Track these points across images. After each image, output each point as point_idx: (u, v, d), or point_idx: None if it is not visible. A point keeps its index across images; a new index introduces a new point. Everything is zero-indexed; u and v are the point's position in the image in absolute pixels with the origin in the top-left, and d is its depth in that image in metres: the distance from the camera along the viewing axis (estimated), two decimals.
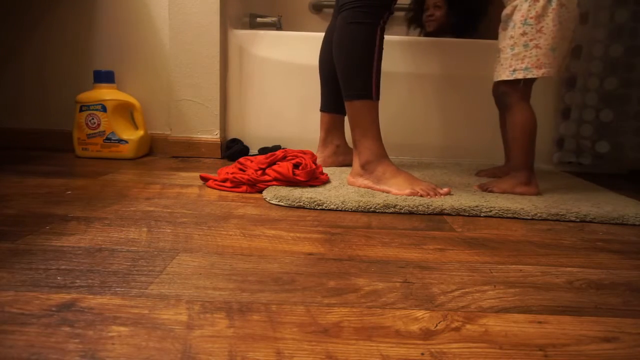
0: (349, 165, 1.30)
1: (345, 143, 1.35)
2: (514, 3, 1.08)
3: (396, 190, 1.02)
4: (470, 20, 1.71)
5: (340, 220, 0.86)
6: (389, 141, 1.55)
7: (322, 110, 1.33)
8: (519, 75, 1.07)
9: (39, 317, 0.48)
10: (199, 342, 0.44)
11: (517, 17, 1.07)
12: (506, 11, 1.10)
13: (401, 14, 2.26)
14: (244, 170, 1.10)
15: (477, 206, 0.94)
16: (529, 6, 1.05)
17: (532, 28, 1.05)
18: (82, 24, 1.51)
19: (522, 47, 1.06)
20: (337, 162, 1.34)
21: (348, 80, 1.09)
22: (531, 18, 1.05)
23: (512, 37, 1.08)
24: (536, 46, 1.05)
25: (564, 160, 1.47)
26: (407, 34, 1.94)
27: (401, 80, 1.53)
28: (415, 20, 1.89)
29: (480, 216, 0.93)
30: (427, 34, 1.85)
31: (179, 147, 1.51)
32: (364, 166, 1.09)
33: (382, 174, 1.07)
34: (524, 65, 1.07)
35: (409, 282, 0.60)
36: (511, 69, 1.08)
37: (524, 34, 1.06)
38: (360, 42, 1.07)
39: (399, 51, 1.53)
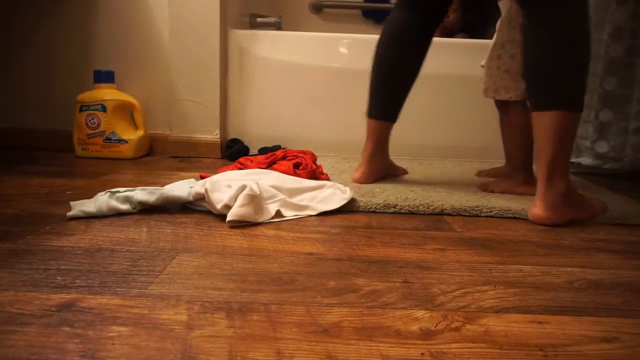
0: (388, 180, 1.17)
1: (389, 156, 1.19)
2: (497, 24, 1.11)
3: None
4: (482, 24, 1.74)
5: (340, 220, 0.86)
6: (389, 141, 1.56)
7: (374, 117, 1.11)
8: (489, 95, 1.12)
9: (39, 317, 0.48)
10: (199, 342, 0.44)
11: (497, 39, 1.10)
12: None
13: None
14: None
15: (477, 206, 0.94)
16: (508, 31, 1.07)
17: (506, 53, 1.08)
18: (82, 24, 1.51)
19: (495, 69, 1.10)
20: (379, 178, 1.16)
21: (566, 86, 0.87)
22: (508, 43, 1.07)
23: (490, 57, 1.11)
24: (506, 71, 1.08)
25: None
26: None
27: None
28: None
29: (480, 216, 0.93)
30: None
31: (179, 147, 1.51)
32: (566, 194, 0.88)
33: (580, 202, 0.92)
34: (494, 87, 1.10)
35: (409, 282, 0.60)
36: (485, 86, 1.11)
37: (499, 57, 1.09)
38: (587, 43, 0.88)
39: None
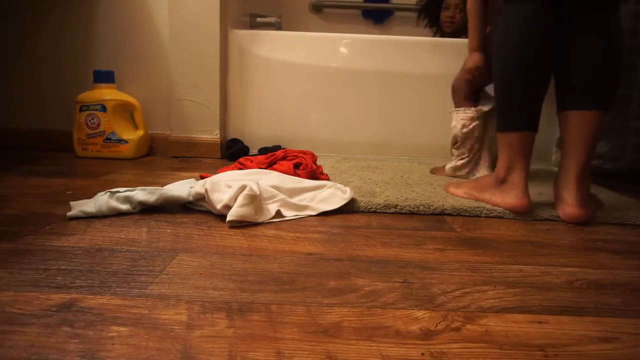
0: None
1: None
2: None
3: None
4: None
5: (340, 220, 0.86)
6: (390, 141, 1.56)
7: (525, 129, 0.94)
8: None
9: (39, 317, 0.48)
10: (199, 342, 0.44)
11: None
12: None
13: (405, 14, 2.26)
14: None
15: (477, 206, 0.94)
16: None
17: None
18: (82, 24, 1.51)
19: None
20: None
21: (609, 89, 0.92)
22: None
23: None
24: None
25: None
26: (417, 25, 1.94)
27: (402, 80, 1.53)
28: (431, 18, 1.88)
29: (480, 216, 0.93)
30: (443, 34, 1.85)
31: (179, 147, 1.51)
32: (589, 191, 0.95)
33: (590, 196, 0.97)
34: None
35: (409, 282, 0.60)
36: None
37: None
38: (622, 52, 0.94)
39: (402, 51, 1.53)
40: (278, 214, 0.86)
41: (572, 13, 0.93)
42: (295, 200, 0.91)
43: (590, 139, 0.90)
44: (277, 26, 1.80)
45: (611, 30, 0.92)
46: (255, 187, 0.83)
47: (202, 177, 1.13)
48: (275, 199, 0.88)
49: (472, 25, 1.20)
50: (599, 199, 1.00)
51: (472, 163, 1.25)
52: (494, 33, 0.99)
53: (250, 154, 1.48)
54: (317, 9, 2.27)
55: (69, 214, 0.81)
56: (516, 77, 0.93)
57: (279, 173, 1.01)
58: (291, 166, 1.07)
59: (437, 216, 0.93)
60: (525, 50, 0.92)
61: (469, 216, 0.93)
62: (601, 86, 0.91)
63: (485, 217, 0.93)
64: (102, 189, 0.88)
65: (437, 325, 0.50)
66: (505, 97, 0.96)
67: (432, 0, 1.86)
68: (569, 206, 0.90)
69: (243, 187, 0.82)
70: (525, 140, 0.93)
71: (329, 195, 0.94)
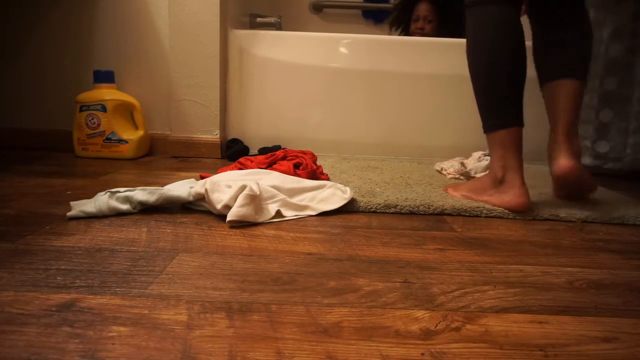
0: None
1: None
2: None
3: None
4: (458, 34, 1.75)
5: (340, 220, 0.86)
6: (390, 141, 1.56)
7: (513, 125, 0.94)
8: None
9: (39, 317, 0.48)
10: (199, 342, 0.44)
11: None
12: None
13: None
14: None
15: (477, 207, 0.94)
16: None
17: None
18: (82, 24, 1.51)
19: None
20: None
21: (586, 62, 1.00)
22: None
23: None
24: None
25: None
26: (390, 34, 1.95)
27: (402, 80, 1.53)
28: (401, 27, 1.90)
29: (480, 216, 0.93)
30: None
31: (179, 147, 1.51)
32: (580, 153, 0.97)
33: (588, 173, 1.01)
34: None
35: (409, 282, 0.60)
36: None
37: None
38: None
39: (402, 51, 1.53)
40: (278, 214, 0.86)
41: (545, 10, 1.00)
42: (295, 200, 0.91)
43: (574, 101, 0.95)
44: (277, 26, 1.81)
45: (583, 21, 0.99)
46: (255, 187, 0.83)
47: (202, 177, 1.13)
48: (275, 199, 0.88)
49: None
50: (594, 182, 1.01)
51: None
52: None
53: (250, 154, 1.48)
54: (317, 9, 2.27)
55: (69, 214, 0.81)
56: (498, 77, 0.94)
57: (279, 173, 1.01)
58: (291, 166, 1.07)
59: (437, 216, 0.93)
60: (504, 49, 0.94)
61: (469, 216, 0.93)
62: (580, 62, 0.98)
63: (485, 217, 0.93)
64: (102, 189, 0.88)
65: (437, 325, 0.50)
66: (489, 98, 0.96)
67: (401, 12, 1.87)
68: (561, 159, 0.92)
69: (243, 187, 0.82)
70: (516, 136, 0.94)
71: (329, 195, 0.94)
